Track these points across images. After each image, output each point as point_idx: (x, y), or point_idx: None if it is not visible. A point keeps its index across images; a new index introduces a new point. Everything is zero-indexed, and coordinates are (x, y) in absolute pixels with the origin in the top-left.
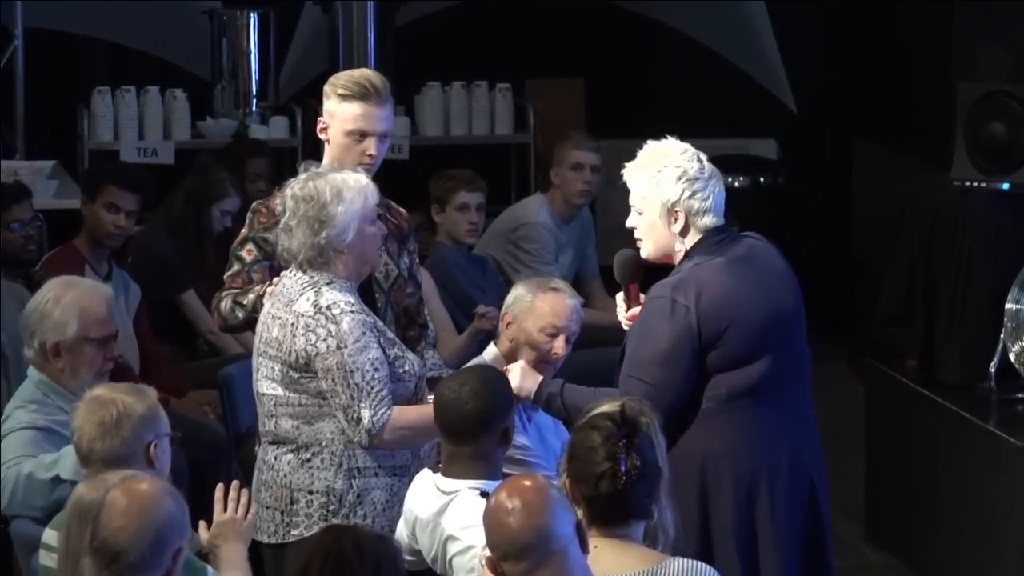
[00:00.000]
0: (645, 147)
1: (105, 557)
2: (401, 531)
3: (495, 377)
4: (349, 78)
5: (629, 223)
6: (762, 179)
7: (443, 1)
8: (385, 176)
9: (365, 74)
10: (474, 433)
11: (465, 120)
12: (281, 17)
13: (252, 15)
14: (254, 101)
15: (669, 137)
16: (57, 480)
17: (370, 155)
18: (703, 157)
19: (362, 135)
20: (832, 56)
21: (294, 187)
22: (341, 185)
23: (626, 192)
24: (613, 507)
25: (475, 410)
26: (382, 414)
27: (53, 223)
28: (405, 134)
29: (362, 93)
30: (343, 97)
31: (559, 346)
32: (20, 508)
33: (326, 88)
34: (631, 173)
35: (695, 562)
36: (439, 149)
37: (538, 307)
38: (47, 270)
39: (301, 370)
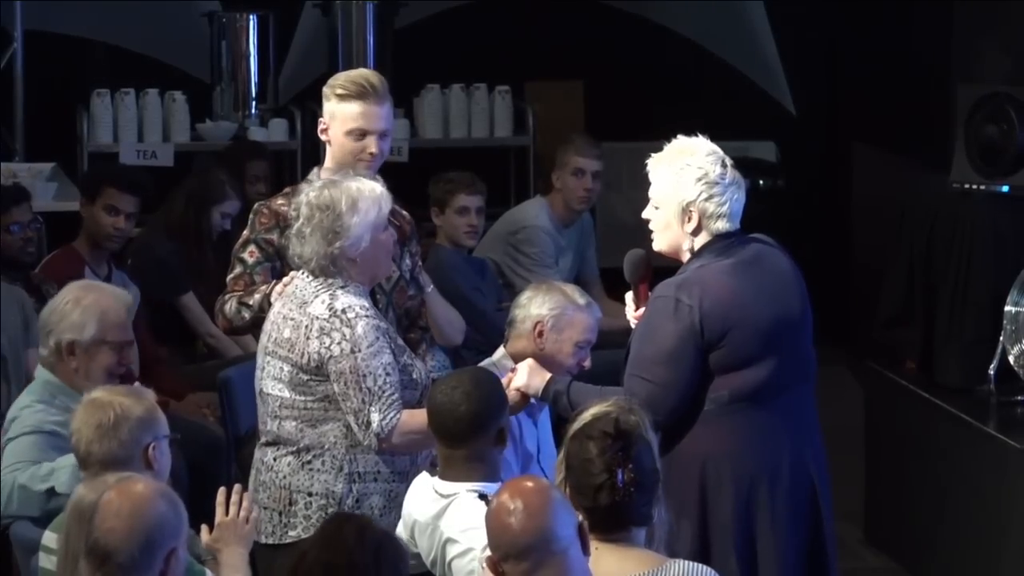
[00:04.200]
0: (674, 141)
1: (97, 558)
2: (400, 534)
3: (487, 378)
4: (347, 78)
5: (645, 214)
6: (761, 181)
7: (442, 3)
8: (384, 178)
9: (363, 73)
10: (469, 435)
11: (464, 122)
12: (280, 19)
13: (251, 17)
14: (253, 103)
15: (682, 136)
16: (52, 492)
17: (370, 153)
18: (728, 162)
19: (362, 134)
20: (831, 58)
21: (310, 194)
22: (356, 195)
23: (626, 194)
24: (613, 517)
25: (469, 412)
26: (391, 418)
27: (52, 225)
28: (404, 136)
29: (360, 92)
30: (341, 97)
31: (586, 358)
32: (17, 518)
33: (325, 90)
34: (655, 165)
35: (695, 564)
36: (438, 151)
37: (579, 320)
38: (46, 272)
39: (312, 372)
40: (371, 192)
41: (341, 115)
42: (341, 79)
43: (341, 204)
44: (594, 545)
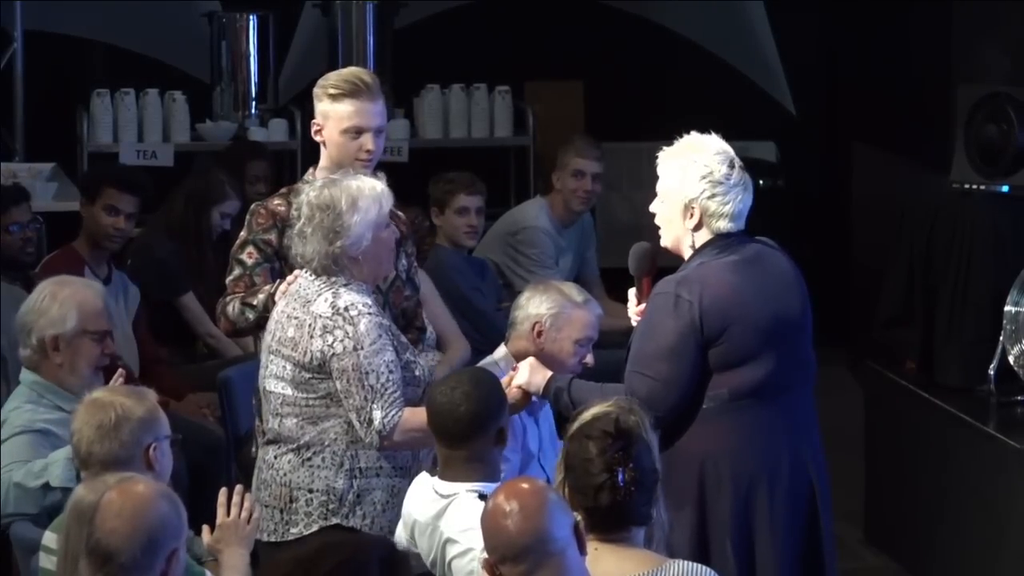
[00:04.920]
0: (686, 137)
1: (99, 559)
2: (400, 534)
3: (487, 378)
4: (338, 77)
5: (652, 208)
6: (761, 182)
7: (442, 3)
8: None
9: (354, 71)
10: (469, 435)
11: (464, 123)
12: (280, 19)
13: (251, 17)
14: (253, 103)
15: (695, 132)
16: (47, 487)
17: (367, 151)
18: (737, 163)
19: (358, 132)
20: (831, 58)
21: (310, 194)
22: (356, 194)
23: (626, 194)
24: (613, 517)
25: (468, 412)
26: (393, 416)
27: (52, 225)
28: (404, 136)
29: (353, 90)
30: (334, 97)
31: (588, 356)
32: (15, 517)
33: (316, 90)
34: (664, 159)
35: (695, 564)
36: (438, 151)
37: (577, 318)
38: (46, 272)
39: (314, 371)
40: (371, 190)
41: (335, 114)
42: (332, 79)
43: (341, 203)
44: (594, 545)
